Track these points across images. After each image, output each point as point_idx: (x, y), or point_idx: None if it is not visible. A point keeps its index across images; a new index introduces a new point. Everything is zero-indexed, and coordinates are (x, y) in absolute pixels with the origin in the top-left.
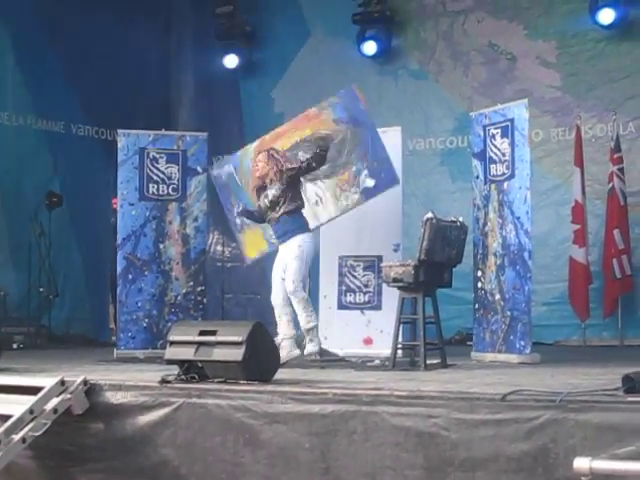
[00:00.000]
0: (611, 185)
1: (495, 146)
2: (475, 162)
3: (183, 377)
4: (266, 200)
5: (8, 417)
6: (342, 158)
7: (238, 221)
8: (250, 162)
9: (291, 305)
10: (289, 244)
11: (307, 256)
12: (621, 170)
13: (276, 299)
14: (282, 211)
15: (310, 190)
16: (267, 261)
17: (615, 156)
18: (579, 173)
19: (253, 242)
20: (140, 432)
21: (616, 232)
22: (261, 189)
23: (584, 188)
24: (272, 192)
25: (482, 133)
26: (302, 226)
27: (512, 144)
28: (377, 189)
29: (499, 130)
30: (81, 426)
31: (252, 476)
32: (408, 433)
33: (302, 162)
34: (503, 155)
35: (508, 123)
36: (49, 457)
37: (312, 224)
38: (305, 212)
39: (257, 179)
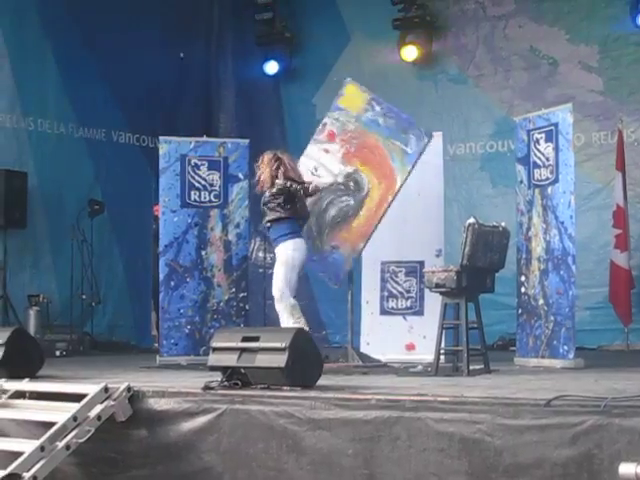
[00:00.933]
0: None
1: (539, 150)
2: (519, 167)
3: (226, 383)
4: (262, 205)
5: (52, 424)
6: None
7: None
8: None
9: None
10: (277, 250)
11: (294, 261)
12: None
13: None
14: (269, 218)
15: None
16: (308, 266)
17: None
18: (620, 177)
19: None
20: (183, 438)
21: None
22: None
23: (626, 192)
24: (264, 197)
25: (526, 138)
26: (290, 232)
27: (556, 148)
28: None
29: (543, 135)
30: (124, 433)
31: None
32: (452, 439)
33: (295, 185)
34: (547, 160)
35: (552, 127)
36: (92, 464)
37: None
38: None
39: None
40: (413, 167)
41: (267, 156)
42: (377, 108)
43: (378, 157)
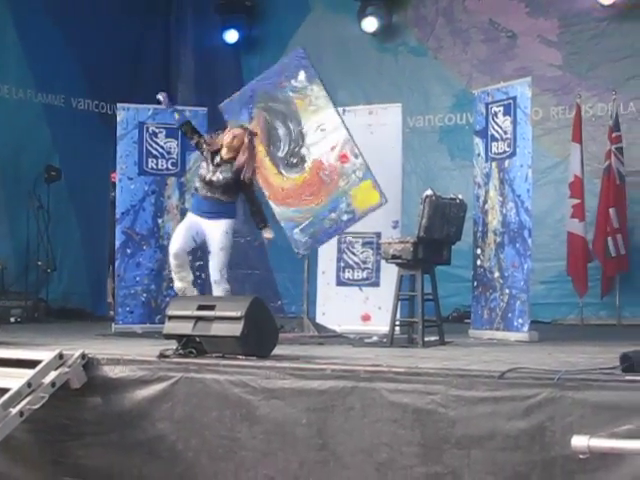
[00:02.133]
0: (608, 163)
1: (497, 124)
2: (476, 140)
3: (181, 352)
4: (213, 175)
5: (6, 390)
6: None
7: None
8: None
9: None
10: (217, 225)
11: (231, 245)
12: (619, 149)
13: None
14: (218, 196)
15: None
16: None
17: (614, 135)
18: (578, 149)
19: (364, 194)
20: (138, 406)
21: (612, 211)
22: (216, 153)
23: (583, 164)
24: (221, 174)
25: (484, 111)
26: (232, 211)
27: (514, 122)
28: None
29: (501, 108)
30: (79, 400)
31: (248, 451)
32: (405, 410)
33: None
34: (505, 133)
35: (510, 101)
36: (46, 431)
37: None
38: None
39: (225, 147)
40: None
41: (246, 136)
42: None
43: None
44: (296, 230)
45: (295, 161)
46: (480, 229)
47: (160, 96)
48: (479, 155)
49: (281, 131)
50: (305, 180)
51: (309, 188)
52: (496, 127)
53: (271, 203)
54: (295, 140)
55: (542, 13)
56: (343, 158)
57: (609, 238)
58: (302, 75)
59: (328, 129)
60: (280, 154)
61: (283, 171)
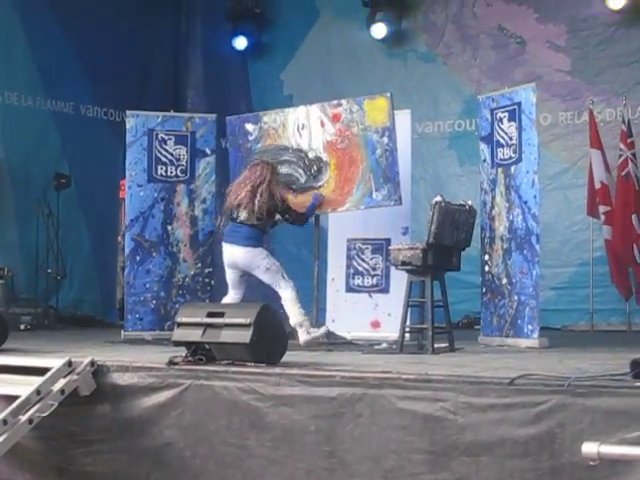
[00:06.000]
0: (626, 171)
1: (502, 130)
2: (482, 146)
3: (190, 359)
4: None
5: (15, 398)
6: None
7: None
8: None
9: None
10: (251, 256)
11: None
12: (634, 155)
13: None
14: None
15: None
16: (275, 242)
17: (628, 141)
18: (599, 155)
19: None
20: (146, 414)
21: (634, 217)
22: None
23: (608, 168)
24: (243, 214)
25: (489, 117)
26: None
27: (519, 128)
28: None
29: (506, 114)
30: (88, 407)
31: (256, 458)
32: (414, 417)
33: (283, 213)
34: (510, 139)
35: (515, 107)
36: (55, 438)
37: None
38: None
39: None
40: (361, 208)
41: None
42: (385, 140)
43: (349, 174)
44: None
45: (316, 167)
46: (487, 235)
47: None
48: (485, 161)
49: (285, 169)
50: (337, 165)
51: (347, 167)
52: (501, 133)
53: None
54: (301, 158)
55: (551, 19)
56: (334, 118)
57: (634, 245)
58: (250, 127)
59: (306, 122)
60: (303, 181)
61: (314, 184)
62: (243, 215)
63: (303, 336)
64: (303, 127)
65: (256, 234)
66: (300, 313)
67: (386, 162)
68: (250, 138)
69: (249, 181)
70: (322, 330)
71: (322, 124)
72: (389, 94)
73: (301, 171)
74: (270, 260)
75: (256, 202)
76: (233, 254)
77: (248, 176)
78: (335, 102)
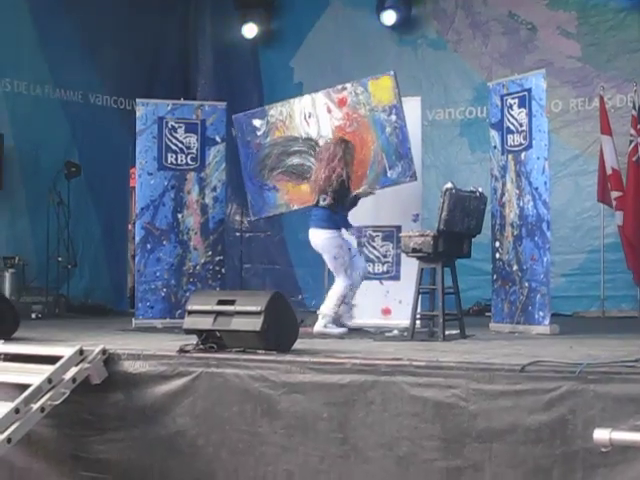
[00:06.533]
0: (637, 157)
1: (512, 116)
2: (492, 132)
3: (201, 347)
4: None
5: (27, 386)
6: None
7: None
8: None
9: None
10: (324, 237)
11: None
12: None
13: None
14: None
15: None
16: (287, 231)
17: (639, 127)
18: (610, 141)
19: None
20: (158, 401)
21: None
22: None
23: (617, 155)
24: (319, 195)
25: (499, 103)
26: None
27: (529, 114)
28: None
29: (516, 100)
30: (99, 395)
31: (269, 446)
32: (426, 403)
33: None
34: (520, 125)
35: (525, 93)
36: (68, 426)
37: None
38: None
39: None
40: (377, 188)
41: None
42: (393, 117)
43: (360, 156)
44: None
45: None
46: (498, 222)
47: None
48: (495, 147)
49: (296, 159)
50: None
51: (358, 150)
52: (512, 119)
53: None
54: (312, 147)
55: (561, 5)
56: (340, 103)
57: None
58: (257, 122)
59: (312, 111)
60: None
61: None
62: (320, 197)
63: (319, 326)
64: (310, 116)
65: (329, 215)
66: (332, 307)
67: (397, 139)
68: (259, 133)
69: (324, 162)
70: (338, 331)
71: (329, 110)
72: (392, 72)
73: (313, 160)
74: (341, 252)
75: (333, 178)
76: (312, 237)
77: (323, 157)
78: (339, 87)
